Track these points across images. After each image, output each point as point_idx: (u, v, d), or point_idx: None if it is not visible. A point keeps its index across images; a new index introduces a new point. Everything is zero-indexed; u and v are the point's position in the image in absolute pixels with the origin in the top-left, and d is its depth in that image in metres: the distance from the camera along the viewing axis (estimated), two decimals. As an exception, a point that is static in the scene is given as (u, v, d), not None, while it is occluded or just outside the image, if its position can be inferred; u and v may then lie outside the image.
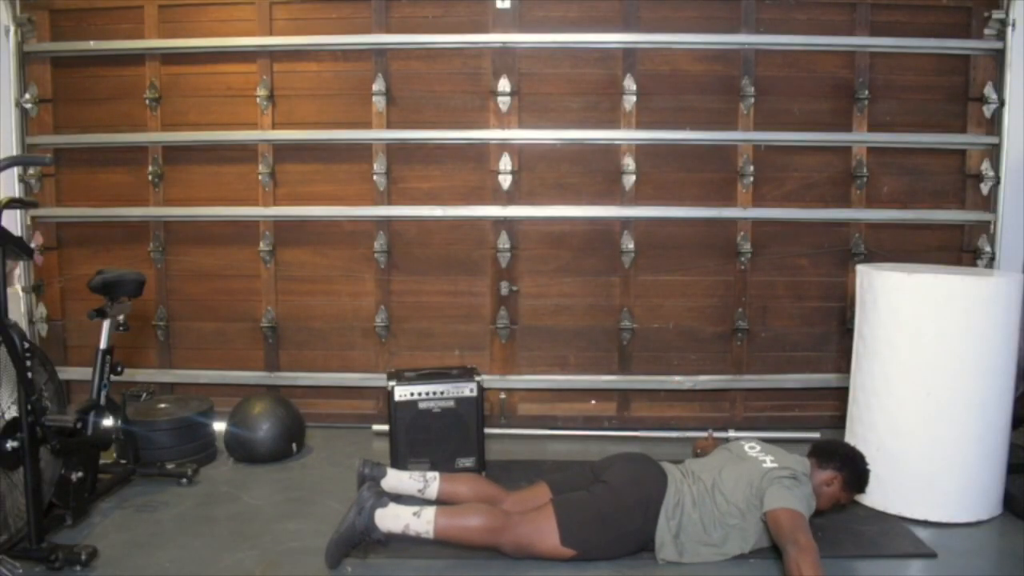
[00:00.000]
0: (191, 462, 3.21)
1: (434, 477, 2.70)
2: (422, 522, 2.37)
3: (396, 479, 2.69)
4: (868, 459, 2.69)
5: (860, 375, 3.01)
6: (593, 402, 3.91)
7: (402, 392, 3.13)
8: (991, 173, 3.73)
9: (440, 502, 2.60)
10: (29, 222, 3.91)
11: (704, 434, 3.33)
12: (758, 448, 2.65)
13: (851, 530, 2.69)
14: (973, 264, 3.78)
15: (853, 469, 2.64)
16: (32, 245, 3.69)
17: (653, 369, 3.87)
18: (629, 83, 3.73)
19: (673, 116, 3.77)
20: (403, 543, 2.45)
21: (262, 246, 3.87)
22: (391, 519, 2.37)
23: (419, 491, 2.67)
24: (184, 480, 3.10)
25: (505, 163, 3.77)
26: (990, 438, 2.76)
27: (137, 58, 3.83)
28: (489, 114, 3.78)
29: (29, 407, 2.37)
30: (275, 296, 3.91)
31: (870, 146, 3.77)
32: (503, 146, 3.78)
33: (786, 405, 3.90)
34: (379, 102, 3.77)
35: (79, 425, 2.65)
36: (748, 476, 2.48)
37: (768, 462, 2.52)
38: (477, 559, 2.44)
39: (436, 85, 3.80)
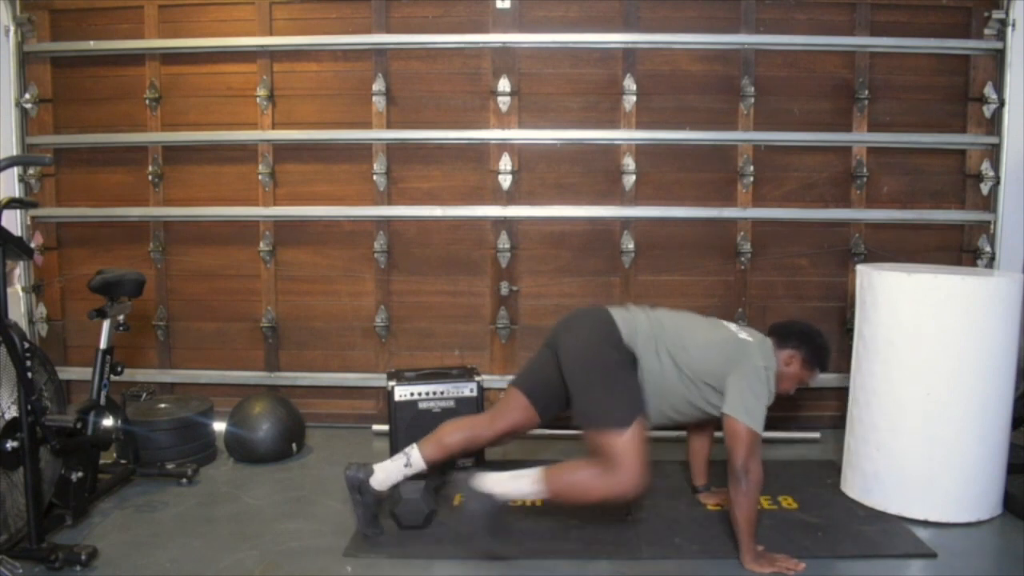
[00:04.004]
0: (191, 462, 3.21)
1: (412, 447, 2.62)
2: (524, 482, 2.36)
3: (383, 472, 2.61)
4: (868, 457, 2.69)
5: (860, 375, 3.00)
6: (593, 402, 3.90)
7: (402, 392, 3.14)
8: (991, 173, 3.72)
9: (431, 463, 2.59)
10: (29, 222, 3.91)
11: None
12: (733, 326, 2.66)
13: (851, 530, 2.69)
14: (973, 264, 3.77)
15: (811, 344, 2.63)
16: (32, 245, 3.71)
17: (653, 369, 3.86)
18: (629, 83, 3.73)
19: (673, 116, 3.76)
20: (404, 541, 2.46)
21: (262, 246, 3.87)
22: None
23: (405, 466, 2.59)
24: (184, 480, 3.10)
25: (505, 163, 3.77)
26: (990, 438, 2.76)
27: (137, 58, 3.83)
28: (489, 114, 3.78)
29: (29, 407, 2.37)
30: (275, 296, 3.91)
31: (870, 146, 3.76)
32: (503, 146, 3.78)
33: (786, 405, 3.88)
34: (379, 102, 3.77)
35: (79, 425, 2.65)
36: (720, 345, 2.50)
37: (744, 335, 2.55)
38: (477, 559, 2.41)
39: (436, 85, 3.79)
